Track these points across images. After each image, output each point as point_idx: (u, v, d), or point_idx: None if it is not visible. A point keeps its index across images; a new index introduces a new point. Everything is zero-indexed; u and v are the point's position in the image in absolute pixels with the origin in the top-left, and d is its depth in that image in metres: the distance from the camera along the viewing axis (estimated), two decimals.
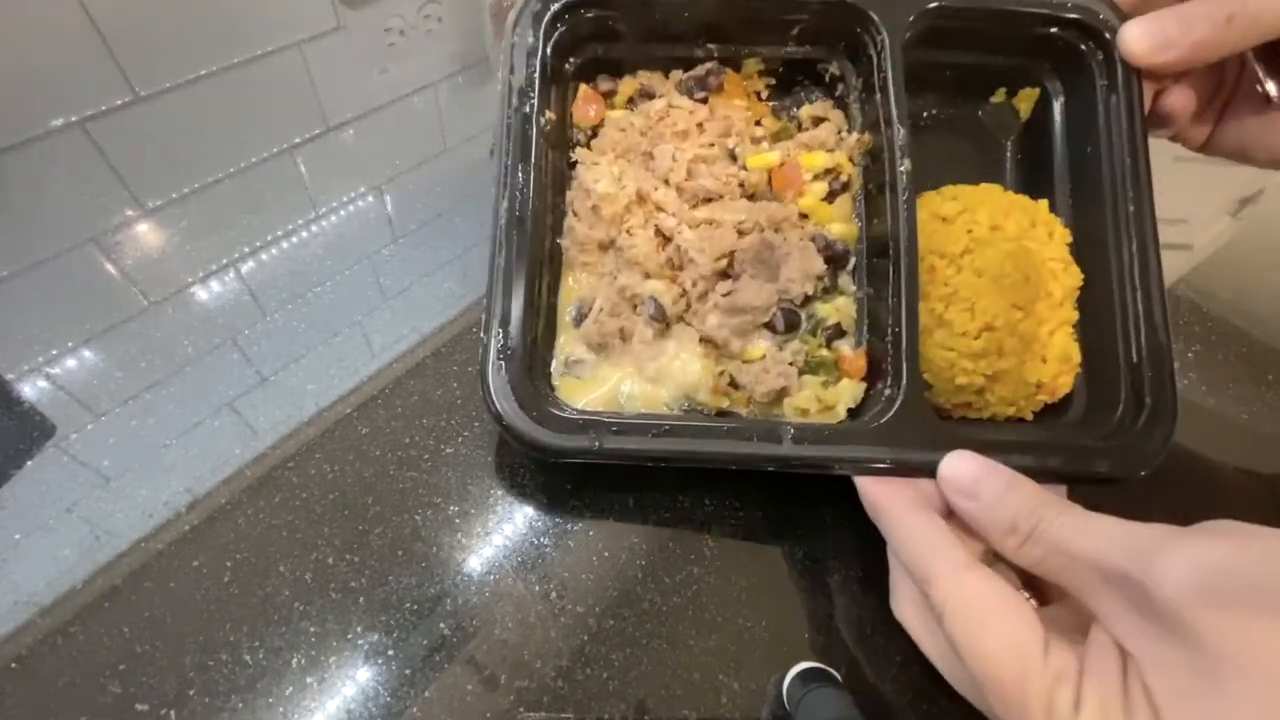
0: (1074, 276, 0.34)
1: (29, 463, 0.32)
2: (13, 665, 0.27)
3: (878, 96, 0.35)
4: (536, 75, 0.33)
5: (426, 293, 0.40)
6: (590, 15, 0.35)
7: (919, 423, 0.30)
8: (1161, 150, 0.65)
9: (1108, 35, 0.34)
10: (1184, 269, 0.52)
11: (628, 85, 0.39)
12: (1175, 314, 0.48)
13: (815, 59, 0.38)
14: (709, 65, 0.38)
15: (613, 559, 0.32)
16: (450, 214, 0.45)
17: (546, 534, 0.32)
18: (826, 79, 0.39)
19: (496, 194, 0.31)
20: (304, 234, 0.42)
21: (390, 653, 0.29)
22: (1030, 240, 0.34)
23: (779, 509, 0.34)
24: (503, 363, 0.29)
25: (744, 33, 0.38)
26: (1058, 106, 0.37)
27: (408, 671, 0.28)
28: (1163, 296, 0.32)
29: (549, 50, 0.34)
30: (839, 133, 0.38)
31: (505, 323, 0.30)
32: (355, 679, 0.28)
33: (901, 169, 0.32)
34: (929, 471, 0.29)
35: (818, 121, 0.39)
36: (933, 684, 0.30)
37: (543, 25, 0.34)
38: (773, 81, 0.40)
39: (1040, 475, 0.28)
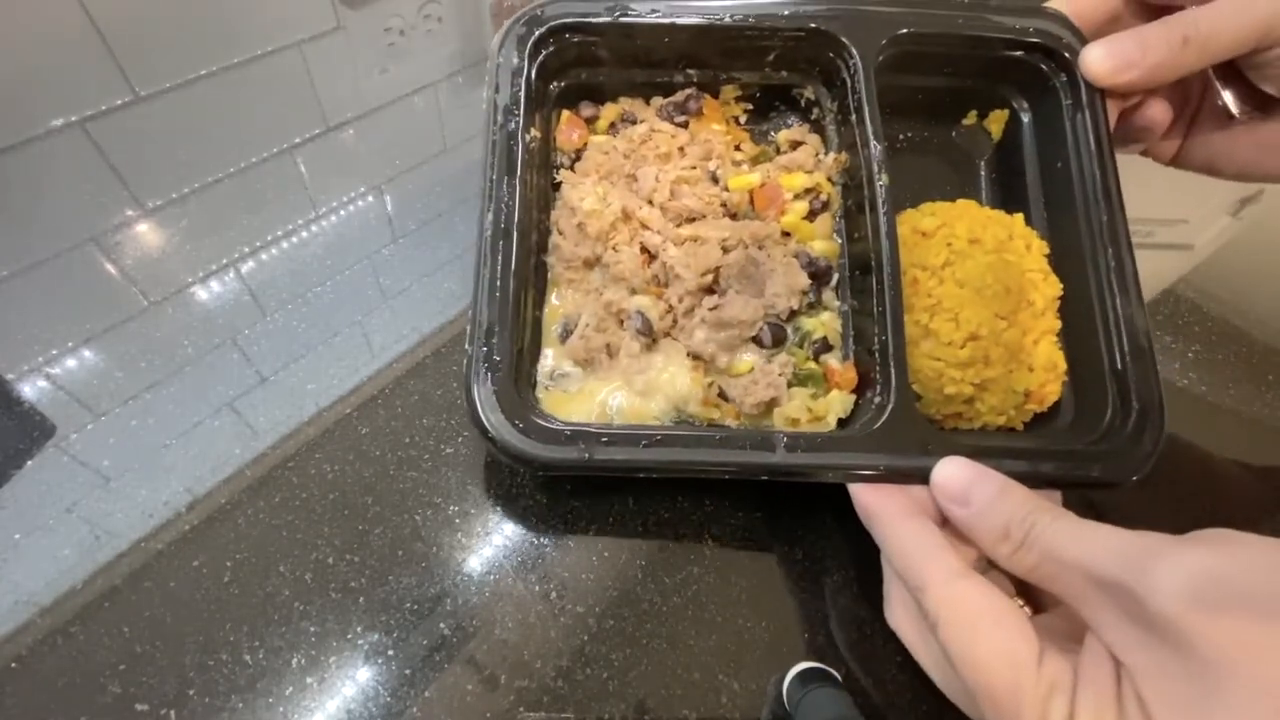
0: (1054, 286, 0.35)
1: (29, 463, 0.32)
2: (13, 665, 0.27)
3: (853, 117, 0.35)
4: (521, 94, 0.34)
5: (426, 293, 0.40)
6: (574, 40, 0.36)
7: (911, 429, 0.30)
8: None
9: (1069, 57, 0.35)
10: (1184, 269, 0.51)
11: (610, 111, 0.40)
12: (1175, 314, 0.48)
13: (791, 84, 0.40)
14: (688, 91, 0.39)
15: (613, 559, 0.32)
16: (450, 214, 0.45)
17: (546, 534, 0.32)
18: (802, 104, 0.40)
19: (481, 208, 0.32)
20: (304, 234, 0.42)
21: (390, 653, 0.29)
22: (1009, 252, 0.35)
23: (778, 510, 0.34)
24: (488, 374, 0.29)
25: (721, 59, 0.38)
26: (1027, 126, 0.39)
27: (408, 671, 0.28)
28: (1141, 302, 0.32)
29: (533, 73, 0.35)
30: (816, 155, 0.39)
31: (490, 334, 0.29)
32: (355, 679, 0.28)
33: (880, 184, 0.33)
34: (922, 478, 0.28)
35: (795, 145, 0.40)
36: (932, 684, 0.30)
37: (528, 48, 0.35)
38: (750, 107, 0.41)
39: (1033, 480, 0.28)
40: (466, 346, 0.29)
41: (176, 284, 0.39)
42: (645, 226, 0.37)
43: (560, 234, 0.36)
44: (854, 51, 0.35)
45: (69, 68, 0.46)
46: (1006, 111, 0.39)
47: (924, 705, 0.30)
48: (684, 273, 0.35)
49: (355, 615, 0.29)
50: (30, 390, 0.34)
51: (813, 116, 0.40)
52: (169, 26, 0.50)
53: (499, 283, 0.30)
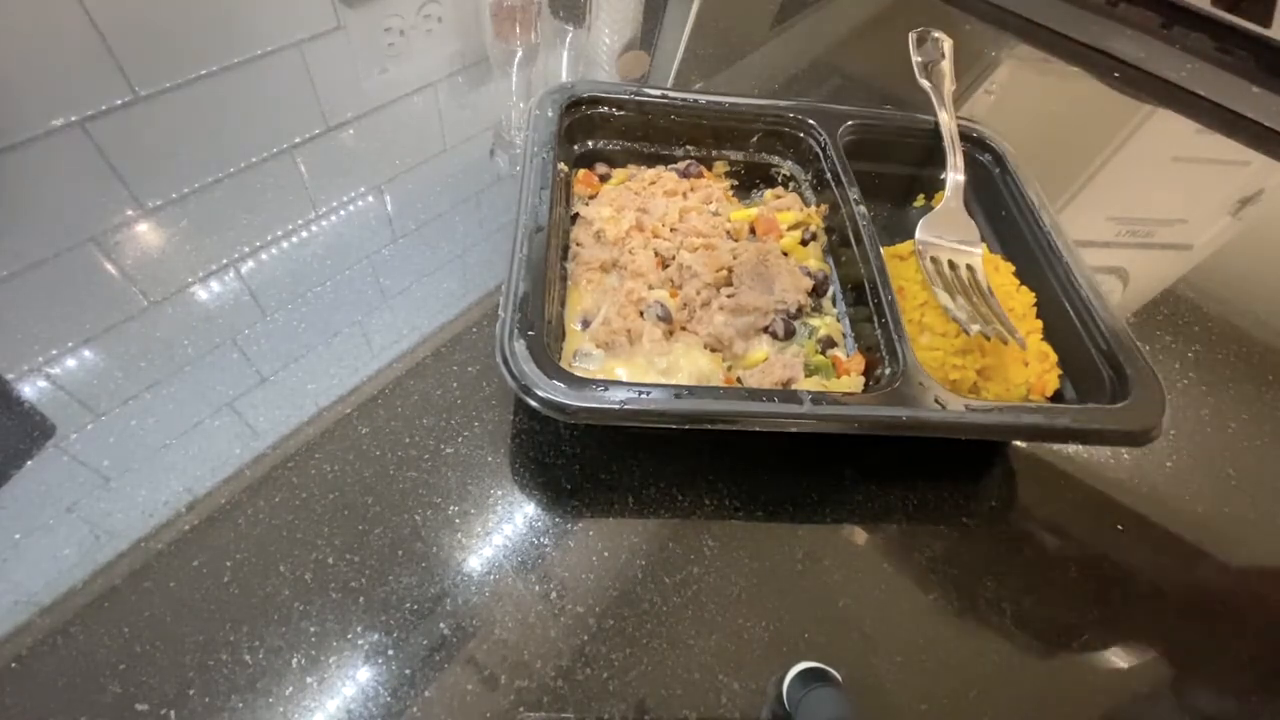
0: (1027, 295, 0.40)
1: (29, 463, 0.32)
2: (13, 665, 0.27)
3: (829, 178, 0.43)
4: (552, 134, 0.40)
5: (426, 293, 0.40)
6: (598, 110, 0.44)
7: (925, 388, 0.32)
8: (1161, 150, 0.65)
9: (991, 142, 0.45)
10: (1184, 269, 0.51)
11: (620, 174, 0.46)
12: (1175, 314, 0.48)
13: (770, 164, 0.47)
14: (688, 161, 0.46)
15: (613, 559, 0.32)
16: (450, 214, 0.45)
17: (546, 534, 0.32)
18: (779, 180, 0.47)
19: (518, 211, 0.35)
20: (304, 234, 0.42)
21: (390, 653, 0.29)
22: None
23: (779, 509, 0.34)
24: (523, 333, 0.31)
25: (714, 139, 0.46)
26: (969, 194, 0.46)
27: (408, 671, 0.28)
28: (1101, 295, 0.37)
29: (562, 129, 0.41)
30: (801, 209, 0.44)
31: (525, 302, 0.32)
32: (355, 679, 0.28)
33: (861, 212, 0.39)
34: (941, 428, 0.31)
35: (778, 198, 0.46)
36: (932, 684, 0.30)
37: (560, 108, 0.42)
38: (735, 183, 0.47)
39: (1053, 434, 0.31)
40: (500, 314, 0.31)
41: (176, 284, 0.39)
42: (657, 235, 0.41)
43: (579, 245, 0.40)
44: (822, 131, 0.44)
45: (69, 68, 0.46)
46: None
47: (924, 705, 0.30)
48: (700, 269, 0.38)
49: (355, 615, 0.29)
50: (30, 390, 0.34)
51: (789, 189, 0.47)
52: (169, 26, 0.50)
53: (533, 264, 0.33)
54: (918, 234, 0.41)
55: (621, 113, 0.44)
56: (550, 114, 0.41)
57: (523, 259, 0.33)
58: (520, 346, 0.30)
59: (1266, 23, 0.63)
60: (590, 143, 0.46)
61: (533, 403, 0.29)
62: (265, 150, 0.46)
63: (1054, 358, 0.38)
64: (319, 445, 0.34)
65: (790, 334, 0.37)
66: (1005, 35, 0.72)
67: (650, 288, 0.38)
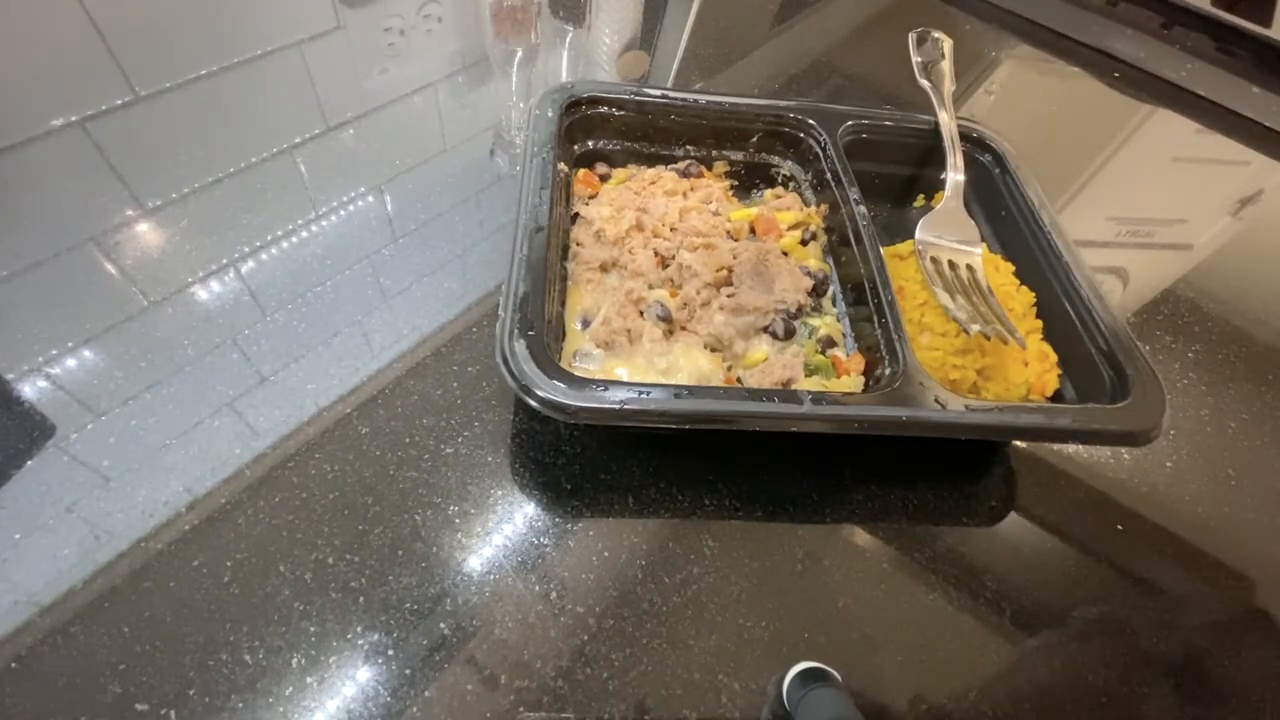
0: (1027, 294, 0.40)
1: (29, 463, 0.32)
2: (13, 665, 0.27)
3: (829, 178, 0.43)
4: (553, 134, 0.40)
5: (426, 293, 0.40)
6: (598, 110, 0.44)
7: (924, 388, 0.32)
8: (1161, 150, 0.65)
9: (991, 143, 0.46)
10: (1184, 269, 0.52)
11: (621, 174, 0.45)
12: (1175, 314, 0.48)
13: (770, 164, 0.48)
14: (689, 161, 0.47)
15: (613, 559, 0.32)
16: (450, 214, 0.45)
17: (546, 534, 0.32)
18: (779, 180, 0.48)
19: (518, 211, 0.35)
20: (304, 234, 0.42)
21: (390, 653, 0.29)
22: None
23: (779, 509, 0.34)
24: (523, 333, 0.31)
25: (714, 139, 0.47)
26: (969, 194, 0.46)
27: (408, 671, 0.28)
28: (1100, 296, 0.37)
29: (562, 129, 0.41)
30: (801, 209, 0.44)
31: (525, 302, 0.32)
32: (355, 679, 0.28)
33: (863, 223, 0.39)
34: (941, 428, 0.31)
35: (778, 198, 0.47)
36: (932, 684, 0.30)
37: (560, 108, 0.42)
38: (735, 183, 0.47)
39: (1054, 435, 0.31)
40: (500, 314, 0.31)
41: (176, 284, 0.39)
42: (657, 235, 0.41)
43: (579, 245, 0.40)
44: (822, 132, 0.45)
45: (69, 68, 0.46)
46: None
47: (924, 705, 0.30)
48: (700, 269, 0.38)
49: (355, 615, 0.29)
50: (30, 390, 0.34)
51: (789, 189, 0.47)
52: (169, 26, 0.50)
53: (532, 263, 0.33)
54: (918, 234, 0.41)
55: (621, 113, 0.45)
56: (550, 114, 0.41)
57: (523, 259, 0.33)
58: (520, 346, 0.30)
59: (1266, 23, 0.63)
60: (590, 143, 0.46)
61: (533, 403, 0.29)
62: (265, 150, 0.46)
63: (1054, 358, 0.38)
64: (319, 445, 0.34)
65: (790, 334, 0.38)
66: (1005, 35, 0.72)
67: (650, 287, 0.38)
